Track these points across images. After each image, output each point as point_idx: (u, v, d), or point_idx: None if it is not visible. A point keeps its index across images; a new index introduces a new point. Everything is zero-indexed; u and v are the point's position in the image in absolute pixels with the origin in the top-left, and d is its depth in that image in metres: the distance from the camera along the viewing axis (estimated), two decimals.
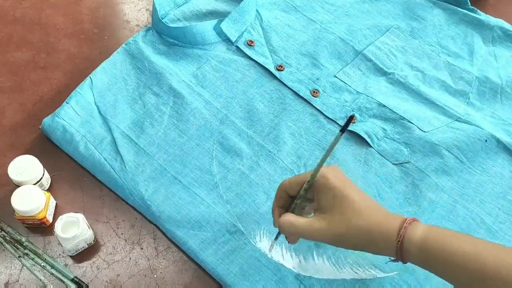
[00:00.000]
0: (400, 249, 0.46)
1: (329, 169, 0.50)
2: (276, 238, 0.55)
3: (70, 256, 0.59)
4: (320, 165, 0.49)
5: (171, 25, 0.76)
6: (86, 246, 0.59)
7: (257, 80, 0.73)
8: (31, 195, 0.57)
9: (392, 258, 0.48)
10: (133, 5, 0.84)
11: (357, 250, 0.49)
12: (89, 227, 0.58)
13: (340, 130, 0.46)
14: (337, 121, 0.70)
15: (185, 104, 0.69)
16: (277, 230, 0.53)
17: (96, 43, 0.78)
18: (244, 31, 0.78)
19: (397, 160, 0.67)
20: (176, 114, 0.69)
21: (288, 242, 0.55)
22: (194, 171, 0.64)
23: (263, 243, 0.60)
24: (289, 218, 0.50)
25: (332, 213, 0.48)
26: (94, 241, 0.59)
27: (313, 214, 0.51)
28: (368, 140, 0.68)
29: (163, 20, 0.75)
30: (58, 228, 0.56)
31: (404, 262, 0.47)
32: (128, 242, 0.60)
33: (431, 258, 0.45)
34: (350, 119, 0.46)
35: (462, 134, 0.69)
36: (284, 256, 0.59)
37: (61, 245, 0.58)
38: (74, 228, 0.56)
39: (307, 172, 0.51)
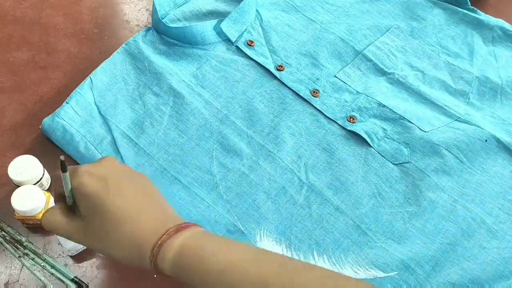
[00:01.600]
0: (155, 268, 0.42)
1: (94, 169, 0.43)
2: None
3: (70, 256, 0.59)
4: (64, 183, 0.42)
5: (171, 25, 0.76)
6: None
7: (257, 80, 0.73)
8: (31, 195, 0.57)
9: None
10: (133, 5, 0.84)
11: (113, 259, 0.44)
12: None
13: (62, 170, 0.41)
14: (337, 121, 0.70)
15: (185, 104, 0.69)
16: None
17: (96, 43, 0.78)
18: (244, 31, 0.78)
19: (397, 160, 0.67)
20: (176, 114, 0.69)
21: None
22: (194, 171, 0.64)
23: (264, 243, 0.60)
24: (50, 216, 0.44)
25: (89, 222, 0.42)
26: None
27: None
28: (368, 140, 0.68)
29: (163, 20, 0.75)
30: None
31: (166, 276, 0.42)
32: None
33: (186, 277, 0.41)
34: (61, 163, 0.40)
35: (462, 134, 0.69)
36: None
37: (61, 245, 0.58)
38: None
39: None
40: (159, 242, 0.41)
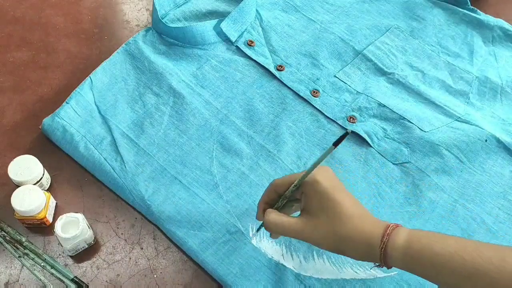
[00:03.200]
0: (384, 255, 0.46)
1: (321, 171, 0.49)
2: (258, 230, 0.57)
3: (70, 256, 0.59)
4: (310, 169, 0.48)
5: (171, 25, 0.76)
6: (86, 246, 0.59)
7: (257, 80, 0.73)
8: (31, 195, 0.57)
9: (377, 264, 0.48)
10: (133, 5, 0.84)
11: (339, 254, 0.49)
12: (89, 227, 0.58)
13: (334, 144, 0.46)
14: (337, 121, 0.70)
15: (185, 104, 0.69)
16: (259, 222, 0.55)
17: (96, 43, 0.78)
18: (244, 31, 0.78)
19: (397, 160, 0.67)
20: (176, 114, 0.69)
21: (271, 236, 0.55)
22: (194, 171, 0.64)
23: (264, 243, 0.60)
24: (273, 217, 0.50)
25: (317, 217, 0.48)
26: (94, 241, 0.59)
27: (299, 213, 0.51)
28: (368, 140, 0.68)
29: (163, 20, 0.75)
30: (58, 228, 0.56)
31: (389, 268, 0.47)
32: (128, 242, 0.60)
33: (415, 262, 0.45)
34: (345, 135, 0.45)
35: (462, 134, 0.69)
36: (284, 256, 0.59)
37: (61, 245, 0.58)
38: (74, 228, 0.56)
39: (300, 172, 0.50)
40: (387, 232, 0.46)
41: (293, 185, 0.50)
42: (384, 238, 0.45)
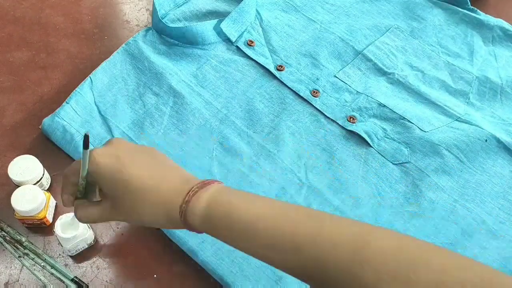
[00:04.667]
0: (185, 223, 0.43)
1: (105, 150, 0.46)
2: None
3: (70, 256, 0.59)
4: (83, 166, 0.45)
5: (171, 25, 0.76)
6: (86, 246, 0.59)
7: (257, 80, 0.73)
8: (31, 195, 0.57)
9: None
10: (133, 5, 0.84)
11: (149, 226, 0.48)
12: (89, 227, 0.58)
13: (83, 148, 0.44)
14: (337, 121, 0.70)
15: (185, 104, 0.69)
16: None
17: (96, 43, 0.78)
18: (244, 31, 0.78)
19: (397, 160, 0.67)
20: (176, 114, 0.69)
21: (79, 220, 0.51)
22: (194, 171, 0.64)
23: None
24: (80, 213, 0.47)
25: (112, 197, 0.45)
26: (94, 241, 0.59)
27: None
28: (368, 140, 0.68)
29: (163, 20, 0.75)
30: (58, 228, 0.55)
31: (198, 232, 0.45)
32: (128, 242, 0.60)
33: (214, 229, 0.43)
34: (85, 136, 0.43)
35: (462, 134, 0.69)
36: None
37: (61, 245, 0.58)
38: (74, 228, 0.56)
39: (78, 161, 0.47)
40: (186, 199, 0.43)
41: (80, 178, 0.47)
42: (182, 207, 0.43)
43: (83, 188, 0.48)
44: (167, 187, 0.45)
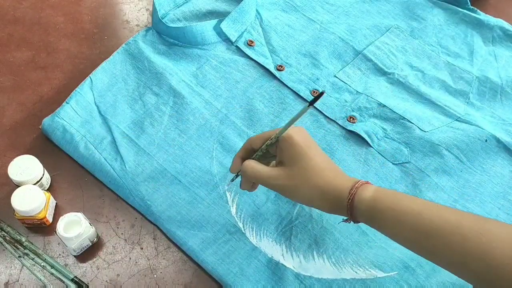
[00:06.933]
0: (350, 208, 0.49)
1: (295, 129, 0.52)
2: (233, 180, 0.59)
3: (70, 256, 0.58)
4: (285, 126, 0.51)
5: (171, 25, 0.76)
6: (90, 244, 0.59)
7: (257, 80, 0.73)
8: (31, 195, 0.57)
9: (345, 218, 0.51)
10: (133, 5, 0.84)
11: (309, 205, 0.53)
12: (91, 225, 0.58)
13: (309, 103, 0.48)
14: (337, 121, 0.70)
15: (185, 104, 0.69)
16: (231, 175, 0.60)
17: (96, 43, 0.78)
18: (244, 31, 0.78)
19: (397, 160, 0.67)
20: (176, 114, 0.69)
21: (241, 187, 0.56)
22: (194, 171, 0.64)
23: (263, 243, 0.60)
24: (252, 162, 0.53)
25: (292, 167, 0.51)
26: (97, 238, 0.59)
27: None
28: (368, 140, 0.68)
29: (163, 20, 0.75)
30: (60, 229, 0.55)
31: (355, 222, 0.50)
32: (128, 242, 0.60)
33: (379, 217, 0.47)
34: (321, 94, 0.47)
35: (462, 134, 0.69)
36: (284, 256, 0.59)
37: (66, 246, 0.57)
38: (77, 227, 0.56)
39: (274, 129, 0.53)
40: (356, 185, 0.49)
41: (269, 139, 0.53)
42: (352, 191, 0.49)
43: (264, 151, 0.54)
44: (342, 175, 0.52)
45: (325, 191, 0.50)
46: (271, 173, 0.52)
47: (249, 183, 0.56)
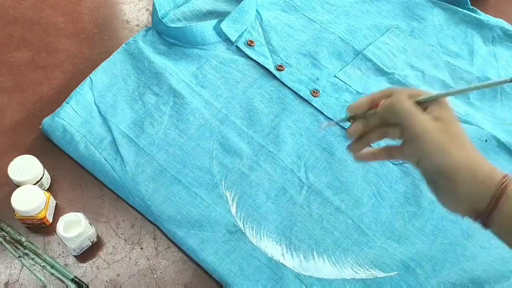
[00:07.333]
0: (498, 195, 0.40)
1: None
2: (341, 121, 0.49)
3: (70, 256, 0.58)
4: (450, 93, 0.44)
5: (171, 25, 0.76)
6: (90, 244, 0.59)
7: (257, 80, 0.73)
8: (31, 195, 0.57)
9: (468, 218, 0.42)
10: (133, 5, 0.84)
11: (449, 177, 0.42)
12: (91, 225, 0.58)
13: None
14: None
15: (185, 104, 0.69)
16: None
17: (96, 43, 0.78)
18: (244, 31, 0.78)
19: (397, 160, 0.67)
20: (176, 114, 0.69)
21: (353, 150, 0.48)
22: (194, 171, 0.64)
23: (264, 242, 0.60)
24: (409, 101, 0.43)
25: (449, 125, 0.42)
26: (97, 238, 0.59)
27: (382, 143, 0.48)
28: None
29: (163, 20, 0.75)
30: (60, 229, 0.55)
31: (487, 224, 0.41)
32: (128, 242, 0.60)
33: None
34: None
35: None
36: (284, 256, 0.59)
37: (66, 246, 0.57)
38: (77, 227, 0.56)
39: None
40: (509, 175, 0.40)
41: (434, 95, 0.44)
42: (504, 179, 0.40)
43: (427, 100, 0.44)
44: (484, 162, 0.42)
45: (478, 165, 0.41)
46: (430, 123, 0.42)
47: (362, 131, 0.46)
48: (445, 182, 0.42)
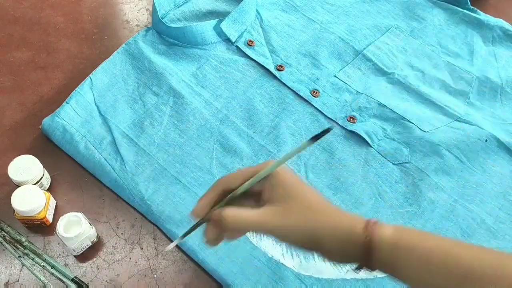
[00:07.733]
0: (367, 251, 0.39)
1: (282, 167, 0.44)
2: (189, 233, 0.47)
3: (70, 256, 0.58)
4: (281, 161, 0.43)
5: (171, 25, 0.76)
6: (90, 244, 0.59)
7: (257, 80, 0.73)
8: (31, 195, 0.57)
9: (355, 266, 0.41)
10: (133, 5, 0.84)
11: (313, 249, 0.42)
12: (91, 225, 0.58)
13: (311, 138, 0.41)
14: (337, 121, 0.70)
15: (185, 104, 0.69)
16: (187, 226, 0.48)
17: (96, 43, 0.78)
18: (244, 31, 0.78)
19: (397, 160, 0.67)
20: (176, 114, 0.69)
21: (206, 238, 0.45)
22: (194, 171, 0.64)
23: (264, 242, 0.60)
24: (233, 210, 0.42)
25: (286, 204, 0.42)
26: (97, 238, 0.59)
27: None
28: (368, 140, 0.68)
29: (163, 20, 0.75)
30: (60, 229, 0.55)
31: (372, 268, 0.40)
32: (128, 242, 0.60)
33: (404, 258, 0.38)
34: (327, 131, 0.41)
35: (462, 134, 0.69)
36: (284, 256, 0.59)
37: (66, 246, 0.57)
38: (77, 227, 0.56)
39: (257, 166, 0.44)
40: (370, 223, 0.39)
41: (258, 175, 0.43)
42: (367, 230, 0.39)
43: (246, 190, 0.43)
44: (345, 212, 0.42)
45: (335, 226, 0.40)
46: (262, 215, 0.42)
47: (218, 234, 0.44)
48: (317, 253, 0.42)
